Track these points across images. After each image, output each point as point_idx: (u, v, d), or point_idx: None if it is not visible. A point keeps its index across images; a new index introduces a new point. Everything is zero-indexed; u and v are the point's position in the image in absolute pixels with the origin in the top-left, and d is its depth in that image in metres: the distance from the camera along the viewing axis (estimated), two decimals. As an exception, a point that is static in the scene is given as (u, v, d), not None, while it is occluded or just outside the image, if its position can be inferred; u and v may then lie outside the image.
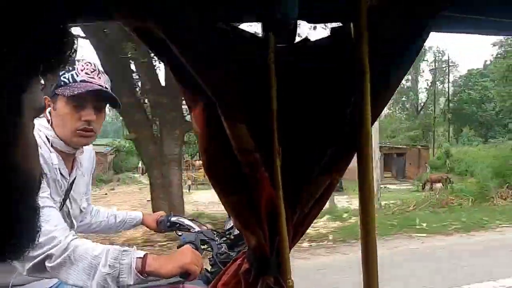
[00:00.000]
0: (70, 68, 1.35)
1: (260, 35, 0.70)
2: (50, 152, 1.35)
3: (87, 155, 1.58)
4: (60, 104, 1.36)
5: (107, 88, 1.38)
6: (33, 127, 0.45)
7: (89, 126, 1.37)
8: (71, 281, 1.16)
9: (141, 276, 1.18)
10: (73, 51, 0.44)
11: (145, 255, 1.20)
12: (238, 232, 1.22)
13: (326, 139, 0.70)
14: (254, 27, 0.75)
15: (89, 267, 1.14)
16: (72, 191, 1.49)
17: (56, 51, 0.42)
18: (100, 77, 1.39)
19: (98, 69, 1.41)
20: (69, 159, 1.44)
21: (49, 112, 1.38)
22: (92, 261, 1.15)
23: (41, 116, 1.34)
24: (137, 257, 1.19)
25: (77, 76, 1.35)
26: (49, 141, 1.36)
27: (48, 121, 1.39)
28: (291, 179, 0.70)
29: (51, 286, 1.45)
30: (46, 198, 1.24)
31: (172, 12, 0.61)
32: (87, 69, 1.37)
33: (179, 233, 1.87)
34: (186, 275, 1.25)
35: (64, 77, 1.34)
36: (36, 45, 0.39)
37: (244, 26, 0.74)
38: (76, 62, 1.37)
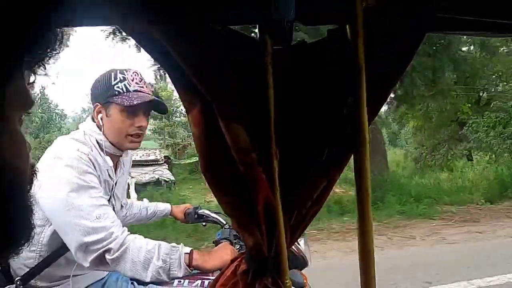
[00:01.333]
0: (122, 78, 1.46)
1: (257, 37, 0.70)
2: (101, 155, 1.46)
3: (128, 156, 1.72)
4: (114, 111, 1.47)
5: (157, 97, 1.51)
6: (21, 123, 0.43)
7: (140, 131, 1.51)
8: (128, 273, 1.30)
9: (188, 269, 1.32)
10: (58, 44, 0.42)
11: (191, 251, 1.34)
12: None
13: (323, 140, 0.70)
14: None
15: (144, 261, 1.28)
16: (116, 189, 1.61)
17: (39, 45, 0.40)
18: (147, 86, 1.52)
19: (144, 78, 1.52)
20: (115, 160, 1.56)
21: (101, 118, 1.48)
22: (146, 255, 1.28)
23: (93, 121, 1.51)
24: (184, 253, 1.32)
25: (130, 86, 1.46)
26: (99, 145, 1.47)
27: (99, 126, 1.49)
28: (289, 179, 0.70)
29: (103, 278, 1.56)
30: (101, 198, 1.36)
31: (170, 15, 0.62)
32: (136, 78, 1.49)
33: (203, 224, 2.02)
34: None
35: (118, 87, 1.45)
36: (16, 36, 0.37)
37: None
38: (125, 72, 1.49)
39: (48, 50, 0.41)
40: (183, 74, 0.63)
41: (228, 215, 0.72)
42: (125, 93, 1.45)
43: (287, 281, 0.72)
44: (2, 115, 0.39)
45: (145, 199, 2.07)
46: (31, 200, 0.44)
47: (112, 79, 1.46)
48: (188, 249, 1.34)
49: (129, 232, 1.33)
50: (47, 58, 0.42)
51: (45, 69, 0.43)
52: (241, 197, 0.68)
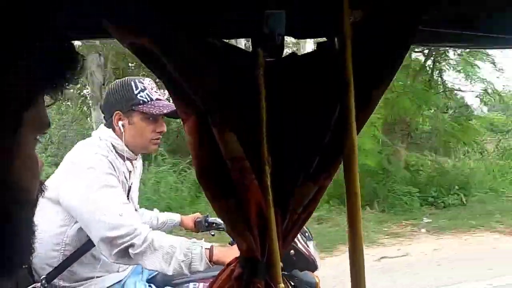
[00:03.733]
0: (142, 87, 1.57)
1: (250, 49, 0.74)
2: (117, 158, 1.55)
3: (139, 161, 1.79)
4: (136, 118, 1.57)
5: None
6: (35, 144, 0.45)
7: (161, 136, 1.63)
8: (151, 266, 1.37)
9: (209, 264, 1.38)
10: (79, 69, 0.45)
11: (211, 247, 1.40)
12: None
13: (312, 148, 0.73)
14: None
15: (166, 255, 1.35)
16: (131, 193, 1.69)
17: (59, 70, 0.43)
18: (162, 94, 1.63)
19: (157, 86, 1.65)
20: (130, 165, 1.64)
21: (122, 125, 1.57)
22: (169, 250, 1.36)
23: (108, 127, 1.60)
24: (205, 248, 1.39)
25: (152, 95, 1.57)
26: (115, 148, 1.56)
27: (119, 132, 1.58)
28: (280, 186, 0.73)
29: (121, 280, 1.63)
30: (122, 196, 1.47)
31: (166, 29, 0.65)
32: (153, 87, 1.60)
33: (212, 233, 2.05)
34: None
35: (141, 96, 1.56)
36: (38, 64, 0.40)
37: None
38: (143, 81, 1.59)
39: (68, 76, 0.44)
40: (179, 86, 0.66)
41: (221, 220, 0.75)
42: (149, 102, 1.55)
43: (280, 284, 0.74)
44: (19, 139, 0.40)
45: (155, 209, 2.10)
46: (34, 220, 0.46)
47: (133, 88, 1.56)
48: (208, 245, 1.41)
49: (151, 229, 1.42)
50: (67, 84, 0.44)
51: (63, 94, 0.45)
52: (234, 203, 0.71)
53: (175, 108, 1.48)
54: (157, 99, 1.57)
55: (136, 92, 1.56)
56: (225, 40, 0.73)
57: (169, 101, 1.60)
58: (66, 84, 0.45)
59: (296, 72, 0.75)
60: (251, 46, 0.74)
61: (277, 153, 0.73)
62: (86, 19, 0.67)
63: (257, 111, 0.71)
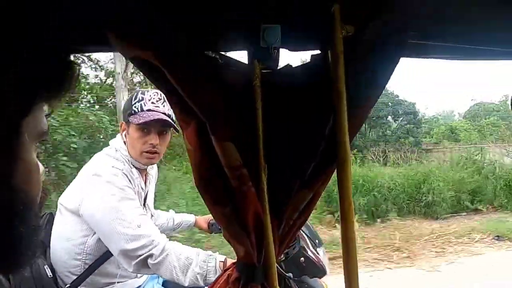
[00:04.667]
0: (140, 98, 1.57)
1: (246, 61, 0.77)
2: (132, 169, 1.59)
3: (154, 169, 1.84)
4: (131, 129, 1.59)
5: (170, 115, 1.58)
6: (35, 151, 0.47)
7: (154, 149, 1.59)
8: (168, 277, 1.40)
9: None
10: (75, 77, 0.46)
11: (225, 259, 1.43)
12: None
13: (307, 155, 0.76)
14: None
15: (183, 266, 1.39)
16: (147, 200, 1.74)
17: (57, 79, 0.44)
18: (164, 105, 1.59)
19: (164, 98, 1.59)
20: (143, 173, 1.69)
21: (125, 135, 1.61)
22: (185, 261, 1.39)
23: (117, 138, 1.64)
24: (219, 261, 1.41)
25: (145, 105, 1.57)
26: (128, 160, 1.59)
27: (124, 142, 1.62)
28: (276, 193, 0.76)
29: (139, 286, 1.69)
30: (140, 208, 1.50)
31: (166, 43, 0.68)
32: (153, 98, 1.59)
33: None
34: None
35: (135, 106, 1.57)
36: (37, 72, 0.41)
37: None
38: (146, 93, 1.60)
39: (65, 84, 0.45)
40: (179, 96, 0.69)
41: (219, 225, 0.77)
42: (139, 112, 1.55)
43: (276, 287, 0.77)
44: (19, 145, 0.42)
45: (171, 210, 2.15)
46: (39, 221, 0.47)
47: (133, 99, 1.58)
48: (222, 257, 1.43)
49: (168, 239, 1.44)
50: (65, 92, 0.46)
51: (61, 101, 0.47)
52: (232, 210, 0.73)
53: (157, 118, 1.53)
54: (148, 110, 1.55)
55: (133, 102, 1.57)
56: (222, 53, 0.77)
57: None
58: (64, 92, 0.46)
59: (291, 83, 0.79)
60: (247, 58, 0.77)
61: (273, 161, 0.75)
62: (89, 32, 0.70)
63: (254, 121, 0.74)
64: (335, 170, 0.77)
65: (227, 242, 0.78)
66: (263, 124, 0.74)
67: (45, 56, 0.43)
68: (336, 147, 0.76)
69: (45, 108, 0.48)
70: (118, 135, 1.67)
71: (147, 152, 1.58)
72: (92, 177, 1.50)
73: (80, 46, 0.75)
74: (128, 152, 1.60)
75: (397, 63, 0.78)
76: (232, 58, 0.75)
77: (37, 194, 0.47)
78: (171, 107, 0.72)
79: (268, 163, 0.75)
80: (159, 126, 1.58)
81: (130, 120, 1.56)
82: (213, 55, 0.74)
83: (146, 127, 1.56)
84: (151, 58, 0.67)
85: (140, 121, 1.53)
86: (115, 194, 1.44)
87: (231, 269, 0.83)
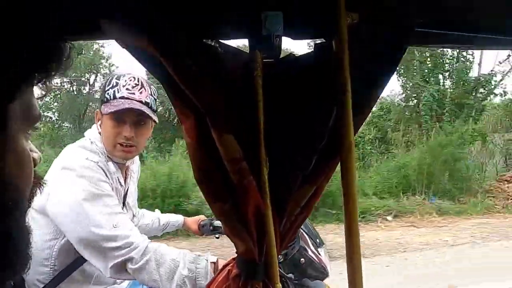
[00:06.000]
0: (115, 83, 1.37)
1: (247, 50, 0.74)
2: (108, 162, 1.40)
3: (135, 164, 1.64)
4: (104, 119, 1.39)
5: (148, 103, 1.39)
6: (26, 138, 0.43)
7: (129, 141, 1.40)
8: (151, 283, 1.23)
9: None
10: (67, 57, 0.43)
11: (217, 260, 1.26)
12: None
13: (310, 149, 0.73)
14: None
15: (169, 270, 1.22)
16: (128, 198, 1.55)
17: (48, 60, 0.41)
18: (141, 92, 1.39)
19: (142, 83, 1.41)
20: (123, 169, 1.50)
21: (100, 125, 1.42)
22: (171, 264, 1.22)
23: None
24: (211, 262, 1.25)
25: (118, 92, 1.37)
26: (103, 152, 1.40)
27: (100, 133, 1.42)
28: (277, 187, 0.73)
29: None
30: (116, 206, 1.31)
31: (165, 30, 0.65)
32: (129, 84, 1.39)
33: (217, 236, 1.94)
34: None
35: (108, 93, 1.37)
36: (26, 55, 0.38)
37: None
38: (121, 77, 1.39)
39: (57, 64, 0.41)
40: (178, 87, 0.66)
41: (219, 221, 0.75)
42: (111, 100, 1.36)
43: (278, 284, 0.75)
44: (7, 131, 0.38)
45: (157, 210, 2.01)
46: (29, 221, 0.43)
47: (107, 84, 1.39)
48: (214, 258, 1.27)
49: (150, 240, 1.29)
50: (56, 73, 0.42)
51: (51, 83, 0.44)
52: (232, 204, 0.71)
53: (129, 107, 1.33)
54: (121, 97, 1.35)
55: (106, 88, 1.38)
56: (222, 41, 0.73)
57: (143, 102, 1.37)
58: (54, 73, 0.42)
59: (293, 73, 0.76)
60: (249, 47, 0.74)
61: (275, 154, 0.73)
62: (85, 20, 0.67)
63: (255, 112, 0.72)
64: (338, 164, 0.75)
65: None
66: (264, 116, 0.72)
67: (36, 41, 0.39)
68: (339, 139, 0.73)
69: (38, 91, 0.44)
70: (94, 126, 1.47)
71: (120, 144, 1.39)
72: (62, 171, 1.31)
73: (76, 34, 0.71)
74: (103, 144, 1.41)
75: (403, 52, 0.75)
76: (232, 46, 0.72)
77: (29, 186, 0.43)
78: (169, 98, 0.69)
79: (269, 156, 0.73)
80: (134, 116, 1.38)
81: (101, 109, 1.38)
82: (213, 43, 0.70)
83: (119, 117, 1.37)
84: (148, 47, 0.64)
85: (111, 110, 1.34)
86: (87, 189, 1.26)
87: (231, 264, 0.80)
